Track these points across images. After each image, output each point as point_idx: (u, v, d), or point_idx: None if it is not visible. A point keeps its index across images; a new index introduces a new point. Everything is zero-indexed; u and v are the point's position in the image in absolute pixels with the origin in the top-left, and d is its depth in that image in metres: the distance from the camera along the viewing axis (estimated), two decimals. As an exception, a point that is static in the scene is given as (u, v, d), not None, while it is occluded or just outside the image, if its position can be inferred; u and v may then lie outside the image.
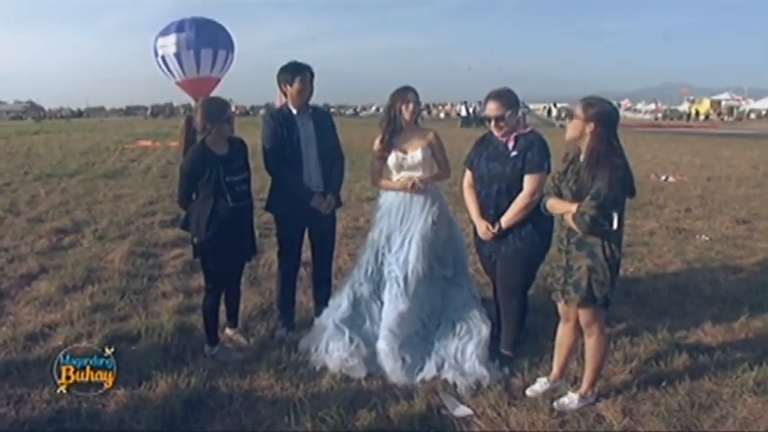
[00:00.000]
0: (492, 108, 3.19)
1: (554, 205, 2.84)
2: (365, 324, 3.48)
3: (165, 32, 15.01)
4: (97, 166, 13.18)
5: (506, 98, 3.20)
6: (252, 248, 3.62)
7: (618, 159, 2.67)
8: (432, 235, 3.49)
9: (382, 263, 3.55)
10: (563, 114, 36.21)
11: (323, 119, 3.77)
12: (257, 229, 6.35)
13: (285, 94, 3.68)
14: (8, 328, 3.86)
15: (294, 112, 3.65)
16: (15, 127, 38.13)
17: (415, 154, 3.50)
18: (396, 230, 3.54)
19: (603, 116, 2.67)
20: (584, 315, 2.87)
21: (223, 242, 3.31)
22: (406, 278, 3.41)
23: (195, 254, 3.45)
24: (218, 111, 3.27)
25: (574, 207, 2.69)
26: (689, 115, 53.33)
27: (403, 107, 3.47)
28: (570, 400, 2.93)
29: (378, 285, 3.55)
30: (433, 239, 3.51)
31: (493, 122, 3.21)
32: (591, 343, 2.91)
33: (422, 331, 3.49)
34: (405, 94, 3.48)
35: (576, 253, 2.78)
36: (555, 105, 40.75)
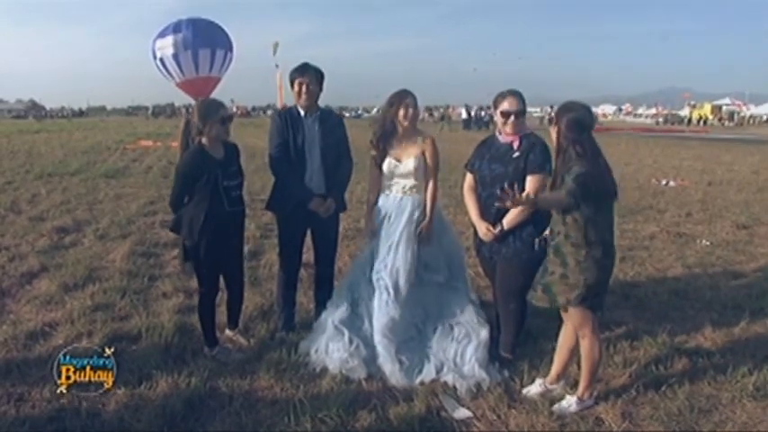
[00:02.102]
0: (514, 103, 3.22)
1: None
2: (364, 325, 3.47)
3: (162, 34, 15.02)
4: (98, 166, 13.19)
5: (521, 96, 3.27)
6: (241, 255, 3.64)
7: (584, 162, 2.69)
8: (416, 242, 3.46)
9: (373, 267, 3.54)
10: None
11: (330, 121, 3.76)
12: (258, 230, 6.42)
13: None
14: (9, 327, 3.86)
15: (302, 113, 3.66)
16: (17, 126, 38.16)
17: (408, 162, 3.46)
18: (383, 233, 3.51)
19: (570, 121, 2.73)
20: (573, 317, 2.90)
21: (215, 247, 3.29)
22: (395, 286, 3.39)
23: (186, 258, 3.40)
24: (210, 110, 3.25)
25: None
26: (689, 120, 53.41)
27: (401, 112, 3.42)
28: (569, 403, 2.94)
29: (372, 288, 3.53)
30: (419, 246, 3.48)
31: (513, 117, 3.22)
32: (583, 345, 2.93)
33: (417, 336, 3.49)
34: (404, 98, 3.42)
35: (553, 258, 2.85)
36: (552, 108, 40.26)
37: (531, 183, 3.17)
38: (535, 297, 2.95)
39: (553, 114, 2.84)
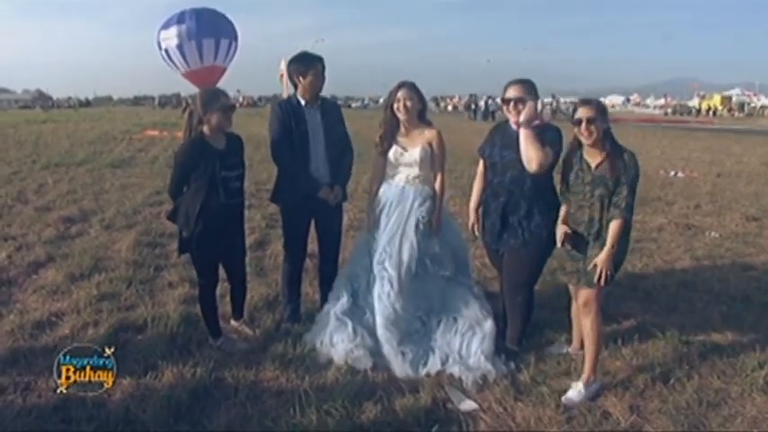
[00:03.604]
0: (514, 91, 3.17)
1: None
2: (365, 315, 3.46)
3: (166, 25, 14.97)
4: (105, 156, 13.21)
5: (528, 84, 3.19)
6: (242, 248, 3.61)
7: (628, 153, 2.94)
8: (421, 233, 3.44)
9: (374, 256, 3.51)
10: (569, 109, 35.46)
11: (331, 111, 3.74)
12: (264, 220, 6.41)
13: (296, 86, 3.65)
14: (15, 316, 3.88)
15: (303, 103, 3.63)
16: (24, 116, 38.26)
17: (414, 152, 3.44)
18: (385, 223, 3.49)
19: (604, 110, 2.94)
20: (582, 295, 2.99)
21: (211, 238, 3.27)
22: (399, 278, 3.38)
23: (181, 250, 3.40)
24: (211, 99, 3.21)
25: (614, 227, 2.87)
26: (699, 110, 52.93)
27: (395, 104, 3.41)
28: (575, 391, 2.93)
29: (373, 278, 3.50)
30: (423, 238, 3.45)
31: (512, 104, 3.16)
32: (589, 321, 2.99)
33: (421, 329, 3.47)
34: (396, 91, 3.42)
35: (593, 243, 2.94)
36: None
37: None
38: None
39: (589, 113, 2.86)
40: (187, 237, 3.28)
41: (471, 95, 39.03)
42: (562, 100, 38.93)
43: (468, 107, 37.20)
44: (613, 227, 2.86)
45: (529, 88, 3.16)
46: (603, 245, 2.88)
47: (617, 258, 2.91)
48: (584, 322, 3.02)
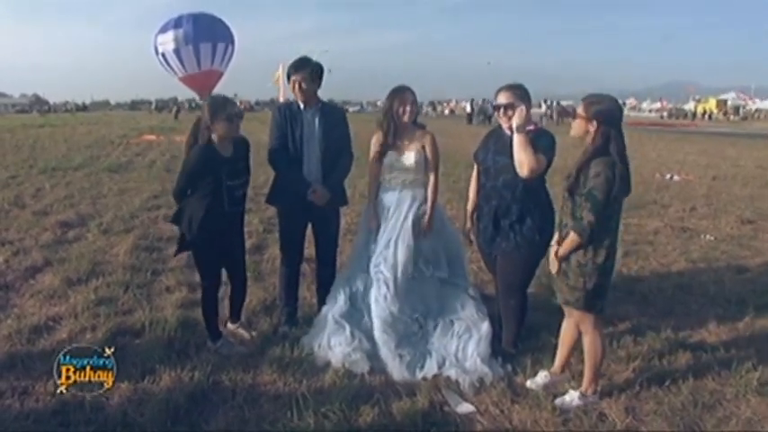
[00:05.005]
0: (503, 97, 3.17)
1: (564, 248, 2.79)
2: (364, 318, 3.48)
3: (163, 29, 14.97)
4: (102, 160, 13.21)
5: (518, 90, 3.18)
6: (242, 248, 3.66)
7: (616, 158, 2.67)
8: (414, 236, 3.47)
9: (371, 258, 3.55)
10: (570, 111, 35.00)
11: (331, 115, 3.73)
12: (261, 224, 6.42)
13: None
14: (13, 321, 3.88)
15: (302, 107, 3.65)
16: (21, 120, 38.22)
17: (409, 156, 3.49)
18: (383, 227, 3.53)
19: (606, 114, 2.70)
20: (575, 313, 2.90)
21: (213, 243, 3.32)
22: (395, 280, 3.40)
23: (179, 249, 3.46)
24: (218, 107, 3.24)
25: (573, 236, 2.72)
26: (694, 114, 53.23)
27: (400, 108, 3.44)
28: (571, 397, 2.93)
29: (370, 282, 3.53)
30: (420, 240, 3.49)
31: (502, 111, 3.18)
32: (585, 341, 2.93)
33: (419, 331, 3.49)
34: (402, 94, 3.45)
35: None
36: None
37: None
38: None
39: (581, 109, 2.73)
40: (189, 240, 3.33)
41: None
42: (563, 103, 38.57)
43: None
44: (569, 237, 2.73)
45: (519, 94, 3.16)
46: (567, 258, 2.78)
47: (591, 283, 2.73)
48: (584, 339, 2.94)
